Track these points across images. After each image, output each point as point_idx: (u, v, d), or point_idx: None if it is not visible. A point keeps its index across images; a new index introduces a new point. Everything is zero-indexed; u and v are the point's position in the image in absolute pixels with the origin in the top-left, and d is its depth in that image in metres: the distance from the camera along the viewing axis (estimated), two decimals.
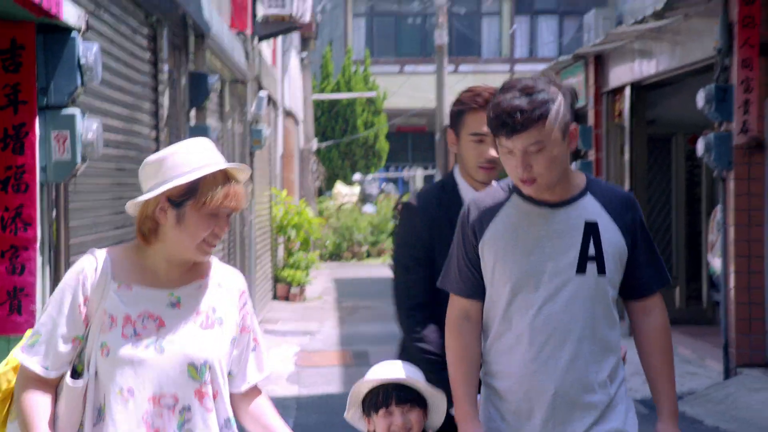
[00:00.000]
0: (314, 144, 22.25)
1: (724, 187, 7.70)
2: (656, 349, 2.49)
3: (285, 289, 13.58)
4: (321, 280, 16.18)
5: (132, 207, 2.28)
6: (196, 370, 2.24)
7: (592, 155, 11.22)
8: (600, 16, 17.09)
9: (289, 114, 17.47)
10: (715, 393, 7.14)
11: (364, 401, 2.66)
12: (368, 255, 21.89)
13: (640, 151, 10.39)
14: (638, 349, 2.52)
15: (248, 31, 10.59)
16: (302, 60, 20.95)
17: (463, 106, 2.83)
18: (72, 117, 3.75)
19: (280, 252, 14.11)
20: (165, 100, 6.47)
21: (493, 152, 2.71)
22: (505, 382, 2.44)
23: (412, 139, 29.10)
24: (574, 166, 11.37)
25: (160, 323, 2.24)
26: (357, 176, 24.90)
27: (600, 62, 10.97)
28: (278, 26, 11.69)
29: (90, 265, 2.24)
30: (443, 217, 2.74)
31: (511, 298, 2.42)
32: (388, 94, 26.00)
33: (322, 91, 25.28)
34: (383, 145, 25.74)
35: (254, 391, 2.39)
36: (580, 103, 11.57)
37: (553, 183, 2.41)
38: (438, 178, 22.02)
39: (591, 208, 2.45)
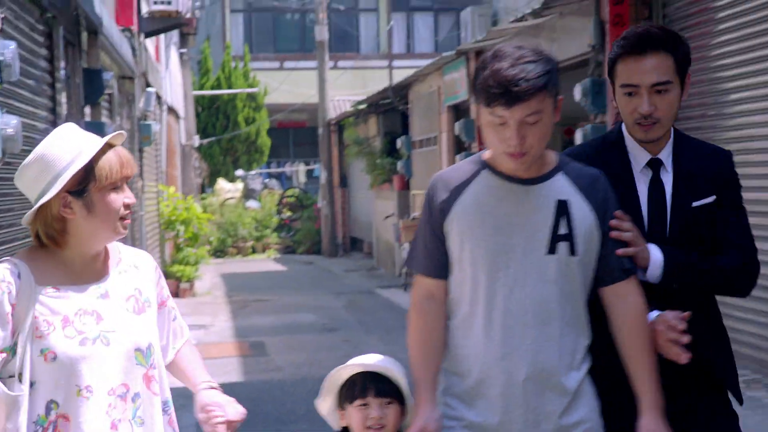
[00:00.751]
0: (196, 140, 22.12)
1: None
2: (633, 335, 2.34)
3: (174, 285, 13.55)
4: (209, 276, 16.17)
5: (30, 216, 2.19)
6: (143, 355, 2.24)
7: (475, 147, 11.68)
8: (476, 13, 17.67)
9: (171, 110, 17.36)
10: None
11: (340, 391, 2.49)
12: (253, 250, 21.92)
13: None
14: (615, 337, 2.38)
15: (134, 28, 10.57)
16: (182, 56, 20.80)
17: (618, 52, 2.46)
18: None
19: (168, 248, 14.07)
20: (63, 97, 6.49)
21: (646, 106, 2.43)
22: (474, 365, 2.34)
23: (294, 135, 29.22)
24: (458, 158, 11.81)
25: (98, 317, 2.20)
26: (239, 172, 24.86)
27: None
28: (164, 22, 11.68)
29: (10, 273, 2.14)
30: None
31: (480, 278, 2.33)
32: (269, 90, 26.05)
33: (201, 87, 25.11)
34: (265, 141, 25.77)
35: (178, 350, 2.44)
36: (462, 98, 12.01)
37: (538, 157, 2.32)
38: (321, 173, 22.27)
39: (563, 187, 2.36)
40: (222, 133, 25.15)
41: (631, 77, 2.42)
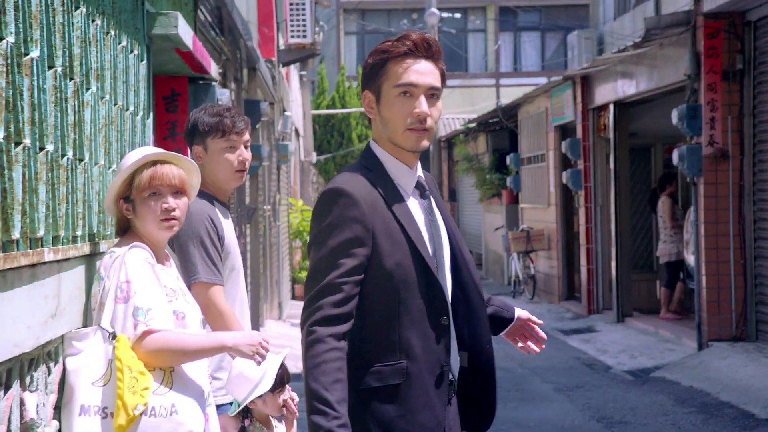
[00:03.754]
0: (313, 156, 23.54)
1: (695, 191, 9.09)
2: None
3: (301, 290, 14.87)
4: None
5: (108, 212, 2.75)
6: (202, 326, 2.79)
7: (580, 164, 12.58)
8: (582, 37, 18.54)
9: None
10: (690, 361, 8.51)
11: None
12: None
13: (623, 160, 11.74)
14: None
15: (274, 59, 11.91)
16: (301, 77, 22.24)
17: (391, 53, 2.36)
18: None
19: (297, 256, 15.39)
20: None
21: (425, 106, 2.36)
22: None
23: None
24: (564, 174, 12.75)
25: (183, 293, 2.73)
26: None
27: (586, 82, 12.32)
28: (299, 53, 13.01)
29: (147, 254, 2.65)
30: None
31: (235, 294, 3.35)
32: None
33: (318, 106, 26.59)
34: None
35: None
36: (569, 118, 12.95)
37: None
38: None
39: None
40: (337, 149, 26.56)
41: (410, 77, 2.34)
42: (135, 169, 2.65)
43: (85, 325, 2.73)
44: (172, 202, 2.66)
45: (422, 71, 2.35)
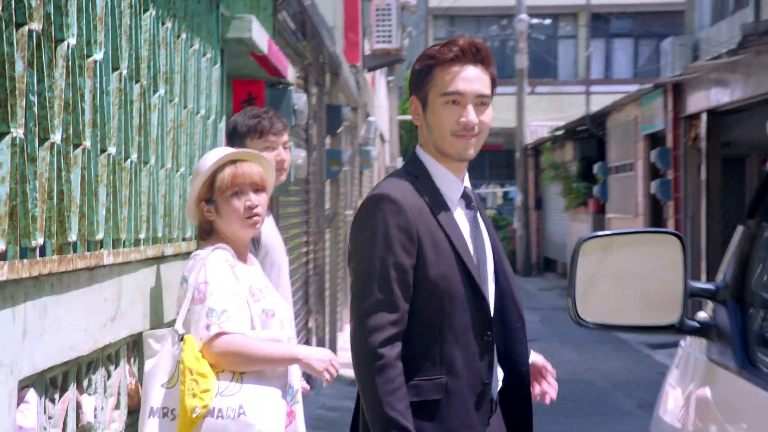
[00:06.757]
0: (399, 161, 23.56)
1: None
2: None
3: None
4: None
5: (191, 217, 2.76)
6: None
7: (670, 174, 12.24)
8: (677, 43, 18.06)
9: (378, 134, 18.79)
10: None
11: None
12: None
13: (716, 170, 11.36)
14: None
15: (359, 64, 11.92)
16: (388, 83, 22.27)
17: (438, 59, 2.30)
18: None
19: None
20: (314, 130, 7.79)
21: (472, 115, 2.29)
22: None
23: (489, 157, 30.21)
24: (653, 185, 12.43)
25: (270, 291, 2.73)
26: None
27: (678, 90, 11.97)
28: (383, 59, 13.01)
29: (228, 255, 2.63)
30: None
31: None
32: None
33: (404, 111, 26.61)
34: None
35: None
36: (659, 127, 12.61)
37: None
38: (517, 195, 23.11)
39: None
40: None
41: (456, 84, 2.27)
42: (215, 169, 2.66)
43: (152, 328, 2.73)
44: (254, 199, 2.68)
45: (470, 78, 2.28)
